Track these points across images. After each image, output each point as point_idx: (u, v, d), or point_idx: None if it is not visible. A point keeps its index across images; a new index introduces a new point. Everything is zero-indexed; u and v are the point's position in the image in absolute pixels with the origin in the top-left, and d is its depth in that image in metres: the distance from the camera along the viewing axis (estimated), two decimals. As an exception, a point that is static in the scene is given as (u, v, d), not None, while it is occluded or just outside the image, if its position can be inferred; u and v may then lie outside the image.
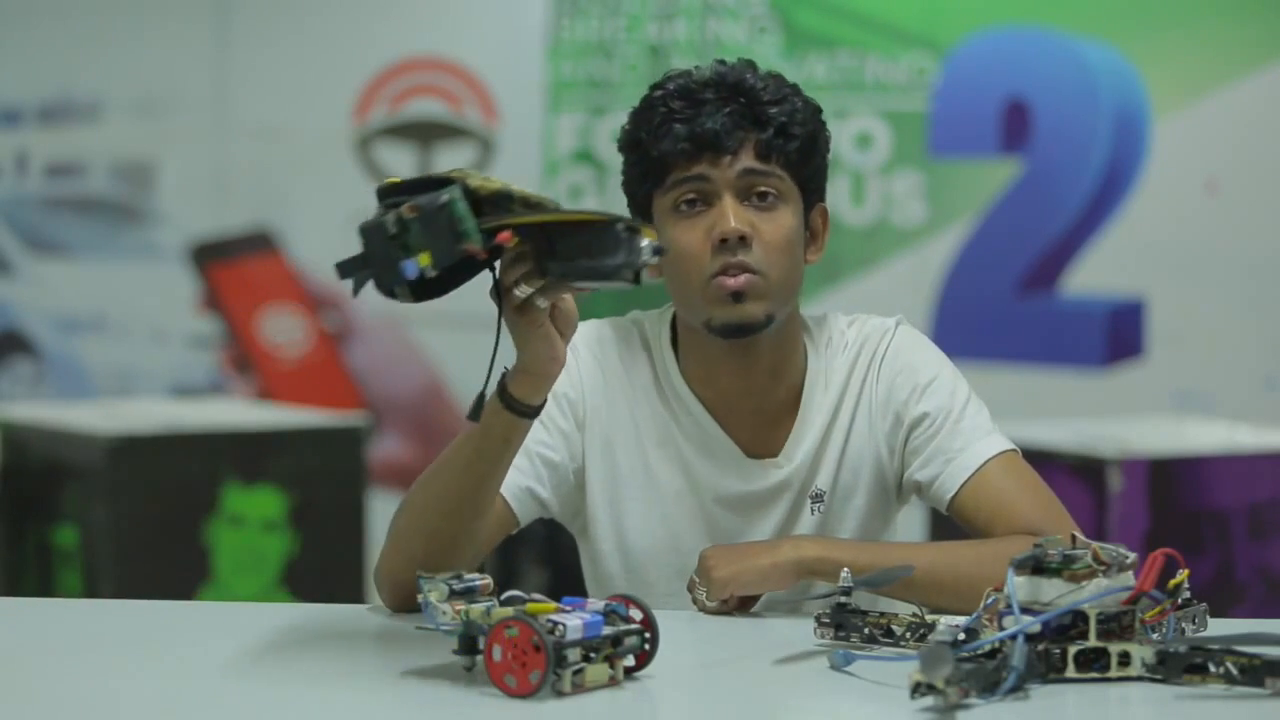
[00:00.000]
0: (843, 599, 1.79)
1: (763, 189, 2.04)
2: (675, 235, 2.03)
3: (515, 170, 5.25)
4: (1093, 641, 1.62)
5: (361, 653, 1.84)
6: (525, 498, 2.05)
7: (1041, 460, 2.91)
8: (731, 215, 2.02)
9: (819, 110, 2.09)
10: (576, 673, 1.57)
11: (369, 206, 1.74)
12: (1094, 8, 5.25)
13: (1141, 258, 5.17)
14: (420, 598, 1.64)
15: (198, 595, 4.19)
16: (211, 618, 2.09)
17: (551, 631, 1.55)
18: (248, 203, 5.57)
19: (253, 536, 4.28)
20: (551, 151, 5.38)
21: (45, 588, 4.26)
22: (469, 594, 1.64)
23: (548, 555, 4.72)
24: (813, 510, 2.11)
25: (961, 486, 2.05)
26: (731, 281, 2.01)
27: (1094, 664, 1.62)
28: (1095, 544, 1.64)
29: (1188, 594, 1.73)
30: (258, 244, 5.56)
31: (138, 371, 5.60)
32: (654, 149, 2.04)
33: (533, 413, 1.86)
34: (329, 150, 5.50)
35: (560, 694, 1.56)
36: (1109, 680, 1.62)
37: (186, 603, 2.74)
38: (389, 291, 1.70)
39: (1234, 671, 1.57)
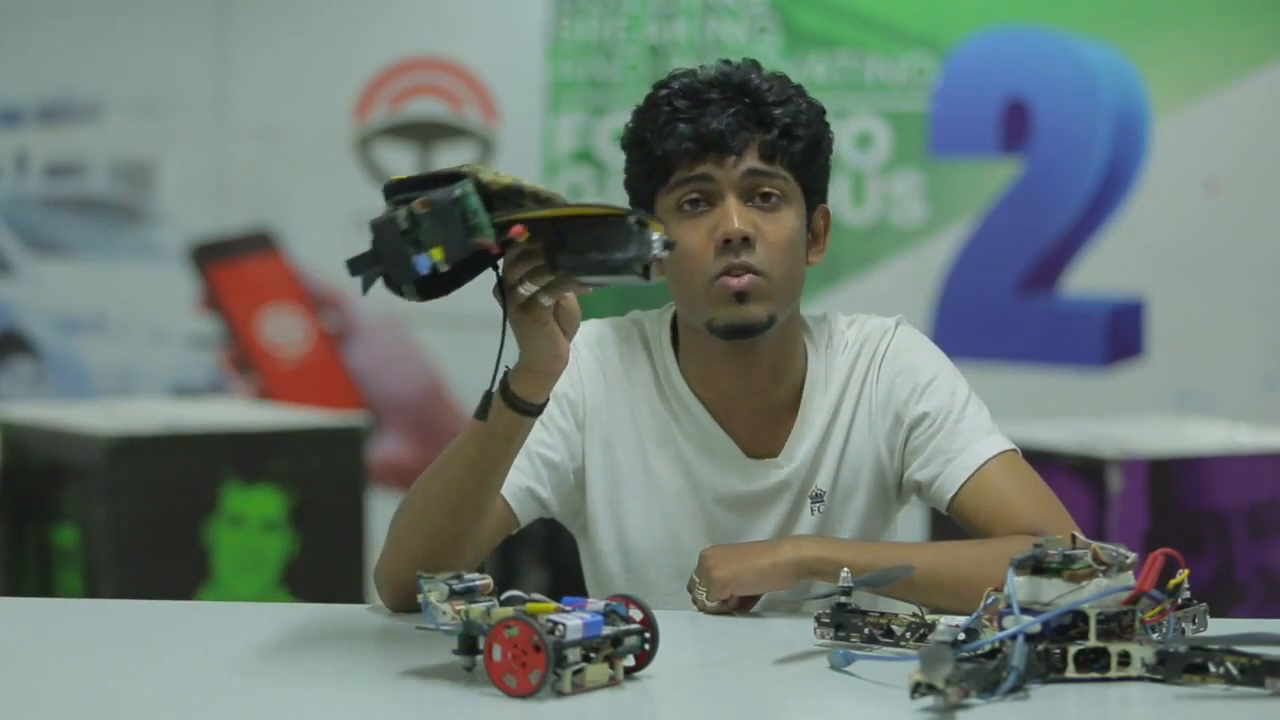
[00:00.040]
0: (843, 599, 1.79)
1: (766, 190, 2.04)
2: (678, 235, 2.02)
3: (515, 170, 5.24)
4: (1093, 641, 1.62)
5: (361, 653, 1.84)
6: (525, 498, 2.05)
7: (1041, 460, 2.91)
8: (735, 216, 2.02)
9: (823, 111, 2.09)
10: (576, 673, 1.57)
11: (369, 206, 1.74)
12: (1094, 8, 5.25)
13: (1141, 258, 5.17)
14: (420, 598, 1.64)
15: (198, 595, 4.19)
16: (211, 618, 2.09)
17: (551, 631, 1.55)
18: (248, 203, 5.57)
19: (253, 536, 4.28)
20: (551, 151, 5.38)
21: (45, 588, 4.26)
22: (469, 594, 1.64)
23: (548, 555, 4.72)
24: (813, 510, 2.11)
25: (961, 486, 2.05)
26: (735, 282, 2.02)
27: (1094, 664, 1.62)
28: (1095, 544, 1.64)
29: (1188, 594, 1.73)
30: (258, 244, 5.56)
31: (138, 371, 5.60)
32: (658, 148, 2.04)
33: (536, 411, 1.86)
34: (329, 150, 5.50)
35: (560, 694, 1.56)
36: (1109, 680, 1.62)
37: (186, 603, 2.74)
38: (397, 289, 1.70)
39: (1234, 671, 1.57)
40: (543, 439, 2.06)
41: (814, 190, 2.09)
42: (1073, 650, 1.61)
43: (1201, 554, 3.83)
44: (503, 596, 1.63)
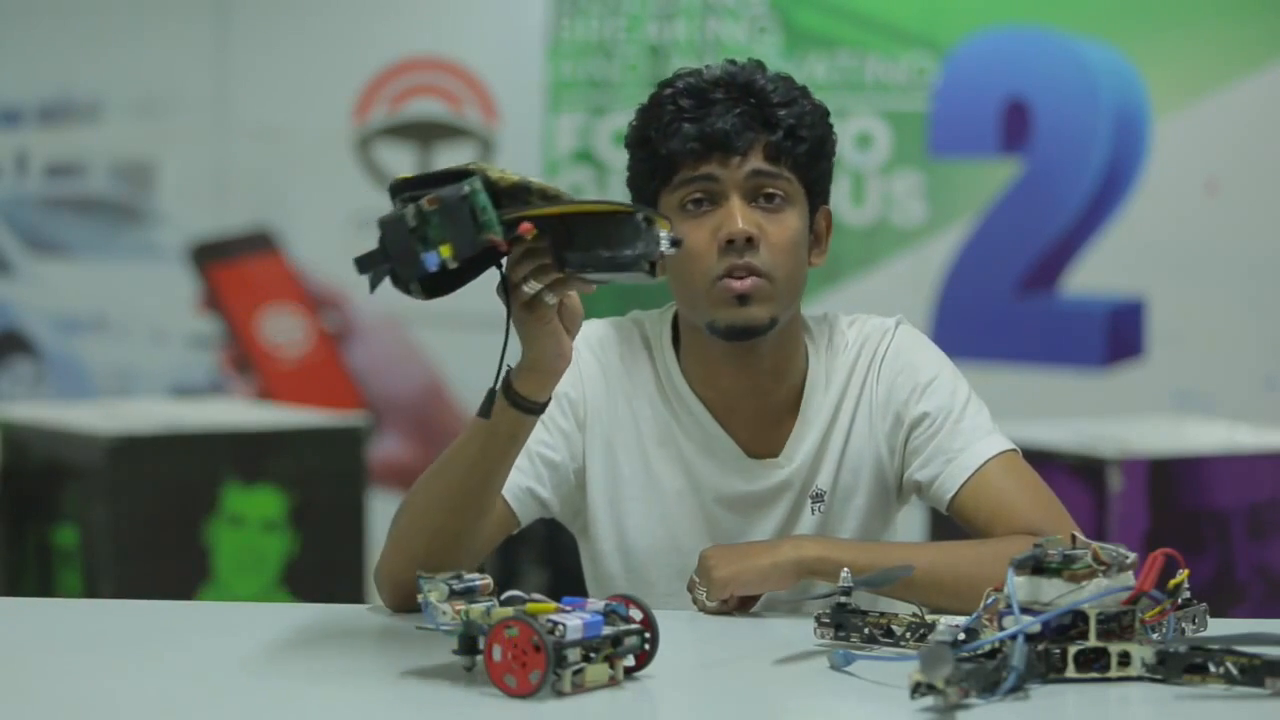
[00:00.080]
0: (843, 599, 1.79)
1: (770, 190, 2.04)
2: (681, 234, 2.02)
3: (515, 171, 5.24)
4: (1093, 641, 1.62)
5: (361, 653, 1.84)
6: (526, 498, 2.05)
7: (1041, 460, 2.91)
8: (739, 216, 2.02)
9: (827, 113, 2.09)
10: (576, 673, 1.57)
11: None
12: (1094, 8, 5.25)
13: (1141, 258, 5.17)
14: (420, 598, 1.64)
15: (198, 595, 4.19)
16: (211, 618, 2.09)
17: (551, 631, 1.55)
18: (248, 203, 5.57)
19: (253, 536, 4.28)
20: (551, 151, 5.38)
21: (45, 588, 4.26)
22: (469, 594, 1.64)
23: (548, 555, 4.72)
24: (813, 510, 2.11)
25: (961, 486, 2.05)
26: (738, 285, 2.01)
27: (1094, 664, 1.62)
28: (1095, 544, 1.64)
29: (1188, 594, 1.73)
30: (258, 244, 5.56)
31: (138, 371, 5.60)
32: (662, 147, 2.04)
33: (539, 409, 1.86)
34: (329, 150, 5.50)
35: (560, 694, 1.56)
36: (1109, 680, 1.62)
37: (186, 603, 2.74)
38: (405, 287, 1.70)
39: (1234, 671, 1.57)
40: (543, 439, 2.06)
41: (817, 192, 2.09)
42: (1073, 650, 1.61)
43: (1201, 554, 3.83)
44: (503, 596, 1.63)
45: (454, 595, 1.63)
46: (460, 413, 5.38)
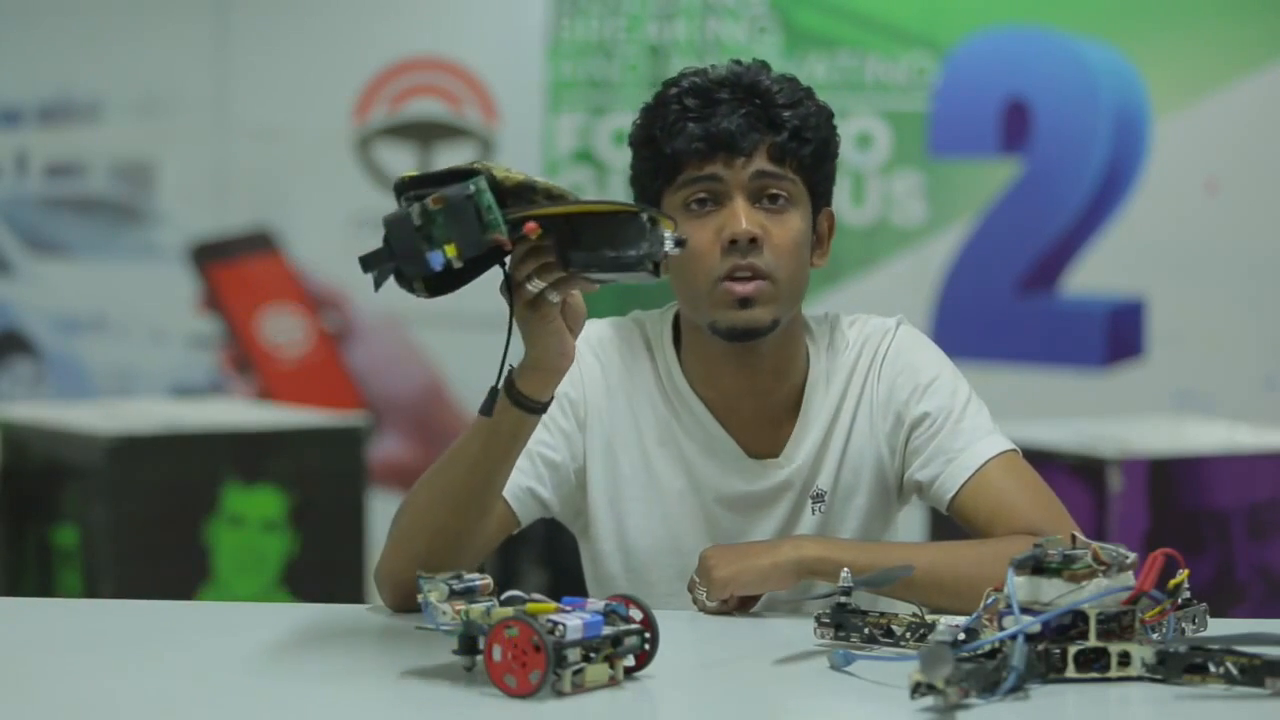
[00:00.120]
0: (843, 599, 1.79)
1: (774, 191, 2.05)
2: (684, 234, 2.02)
3: (518, 169, 5.24)
4: (1093, 641, 1.62)
5: (361, 653, 1.84)
6: (526, 498, 2.05)
7: (1041, 460, 2.91)
8: (743, 217, 2.02)
9: (831, 114, 2.09)
10: (576, 673, 1.57)
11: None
12: (1094, 8, 5.25)
13: (1141, 258, 5.17)
14: (420, 598, 1.64)
15: (198, 595, 4.19)
16: (211, 618, 2.09)
17: (551, 631, 1.55)
18: (248, 203, 5.57)
19: (253, 536, 4.28)
20: (551, 151, 5.38)
21: (45, 588, 4.26)
22: (469, 594, 1.64)
23: (548, 555, 4.72)
24: (814, 510, 2.11)
25: (962, 486, 2.05)
26: (740, 288, 2.01)
27: (1094, 664, 1.62)
28: (1095, 544, 1.64)
29: (1188, 594, 1.73)
30: (258, 244, 5.56)
31: (138, 371, 5.60)
32: (667, 146, 2.04)
33: (541, 409, 1.86)
34: (329, 150, 5.50)
35: (560, 694, 1.56)
36: (1109, 680, 1.62)
37: (186, 603, 2.74)
38: (409, 285, 1.71)
39: (1234, 671, 1.57)
40: (544, 439, 2.06)
41: (820, 193, 2.09)
42: (1073, 650, 1.61)
43: (1201, 554, 3.83)
44: (503, 596, 1.63)
45: (454, 595, 1.63)
46: (460, 413, 5.38)
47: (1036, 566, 1.63)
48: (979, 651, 1.60)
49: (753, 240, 2.01)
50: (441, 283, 1.72)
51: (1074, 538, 1.65)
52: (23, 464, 4.42)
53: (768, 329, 2.04)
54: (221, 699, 1.61)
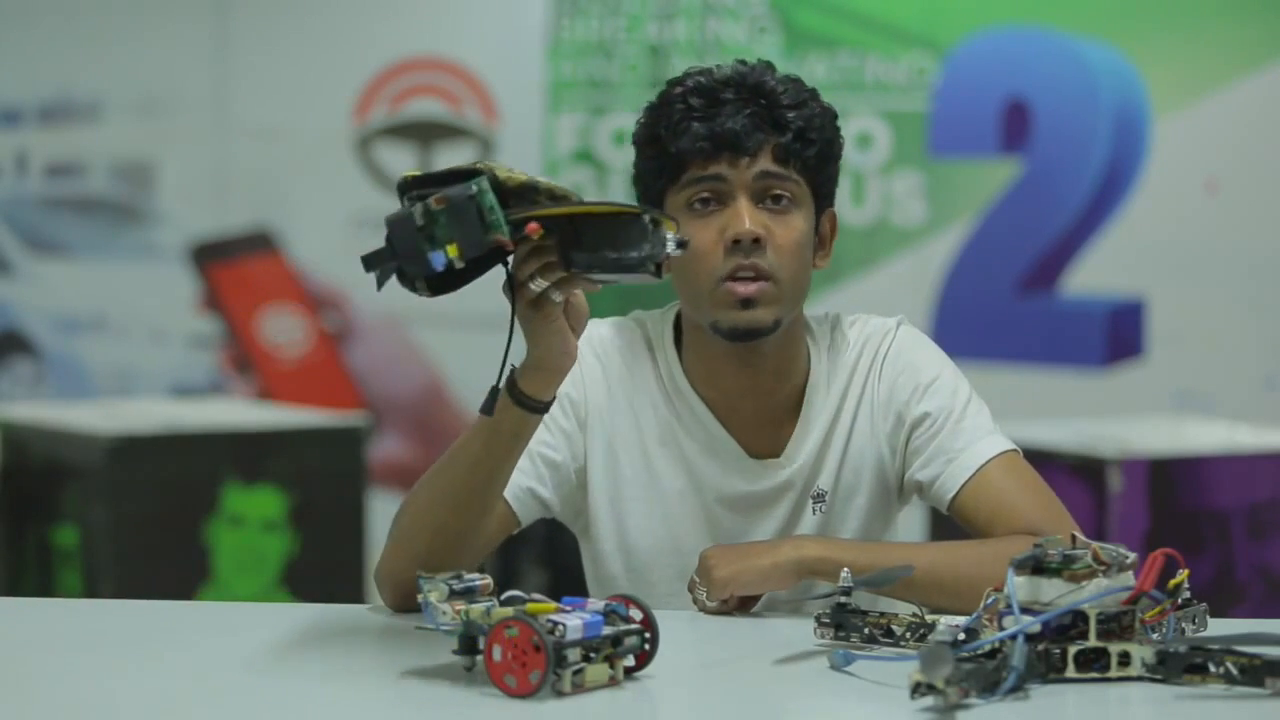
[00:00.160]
0: (843, 599, 1.79)
1: (778, 192, 2.04)
2: (687, 233, 2.02)
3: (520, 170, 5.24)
4: (1093, 641, 1.62)
5: (361, 653, 1.84)
6: (526, 498, 2.05)
7: (1041, 460, 2.91)
8: (747, 217, 2.02)
9: (835, 116, 2.09)
10: (576, 673, 1.57)
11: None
12: (1094, 8, 5.25)
13: (1141, 258, 5.18)
14: (420, 597, 1.64)
15: (198, 595, 4.19)
16: (211, 618, 2.09)
17: (551, 631, 1.55)
18: (248, 203, 5.57)
19: (253, 536, 4.28)
20: (551, 151, 5.38)
21: (45, 588, 4.26)
22: (469, 594, 1.64)
23: (548, 555, 4.72)
24: (814, 510, 2.11)
25: (962, 486, 2.05)
26: (742, 289, 2.01)
27: (1094, 664, 1.62)
28: (1095, 544, 1.64)
29: (1188, 594, 1.73)
30: (258, 244, 5.56)
31: (138, 371, 5.60)
32: (671, 145, 2.04)
33: (543, 408, 1.86)
34: (329, 150, 5.50)
35: (560, 694, 1.56)
36: (1109, 680, 1.62)
37: (186, 603, 2.74)
38: (411, 285, 1.71)
39: (1234, 671, 1.57)
40: (544, 439, 2.06)
41: (824, 194, 2.09)
42: (1073, 650, 1.61)
43: (1201, 554, 3.83)
44: (503, 596, 1.63)
45: (454, 595, 1.63)
46: (460, 413, 5.38)
47: (1036, 566, 1.63)
48: (979, 651, 1.60)
49: (756, 240, 2.01)
50: (443, 282, 1.72)
51: (1074, 538, 1.65)
52: (23, 464, 4.42)
53: (770, 329, 2.04)
54: (221, 699, 1.61)
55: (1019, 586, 1.61)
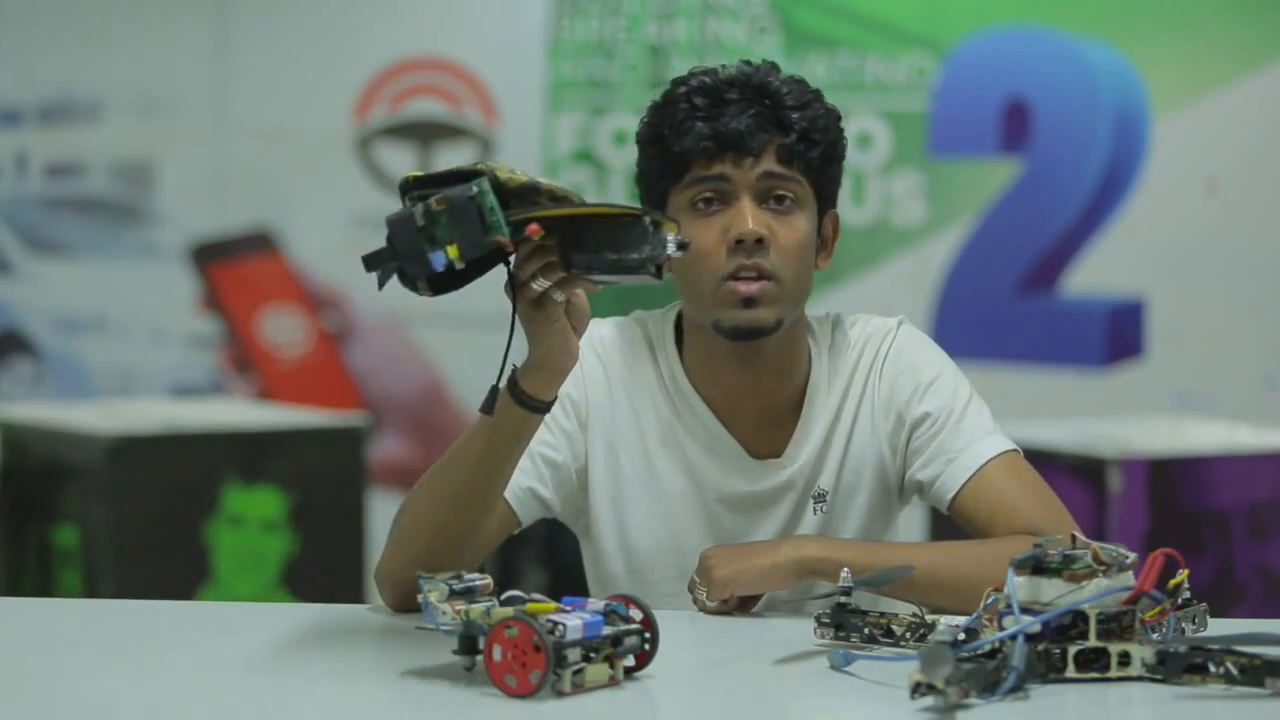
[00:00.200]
0: (843, 599, 1.79)
1: (781, 193, 2.05)
2: (690, 233, 2.02)
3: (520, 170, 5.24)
4: (1093, 641, 1.62)
5: (361, 653, 1.84)
6: (527, 498, 2.05)
7: (1041, 460, 2.91)
8: (750, 217, 2.02)
9: (839, 117, 2.09)
10: (576, 673, 1.57)
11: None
12: (1094, 8, 5.25)
13: (1141, 258, 5.18)
14: (420, 597, 1.64)
15: (198, 595, 4.19)
16: (211, 618, 2.09)
17: (551, 631, 1.55)
18: (248, 203, 5.57)
19: (253, 536, 4.28)
20: (551, 151, 5.38)
21: (45, 588, 4.26)
22: (469, 594, 1.64)
23: (548, 555, 4.72)
24: (815, 510, 2.11)
25: (962, 486, 2.05)
26: (745, 288, 2.02)
27: (1094, 664, 1.62)
28: (1095, 544, 1.64)
29: (1188, 594, 1.73)
30: (258, 244, 5.56)
31: (138, 371, 5.61)
32: (675, 145, 2.04)
33: (544, 408, 1.86)
34: (329, 150, 5.50)
35: (560, 694, 1.56)
36: (1109, 680, 1.62)
37: (186, 603, 2.74)
38: (412, 285, 1.71)
39: (1234, 671, 1.57)
40: (545, 439, 2.06)
41: (826, 195, 2.09)
42: (1073, 650, 1.61)
43: (1201, 554, 3.83)
44: (503, 596, 1.63)
45: (454, 595, 1.63)
46: (460, 413, 5.38)
47: (1036, 566, 1.63)
48: (979, 651, 1.60)
49: (759, 240, 2.01)
50: (444, 282, 1.72)
51: (1074, 538, 1.65)
52: (23, 464, 4.42)
53: (771, 329, 2.04)
54: (221, 699, 1.61)
55: (1019, 586, 1.61)
